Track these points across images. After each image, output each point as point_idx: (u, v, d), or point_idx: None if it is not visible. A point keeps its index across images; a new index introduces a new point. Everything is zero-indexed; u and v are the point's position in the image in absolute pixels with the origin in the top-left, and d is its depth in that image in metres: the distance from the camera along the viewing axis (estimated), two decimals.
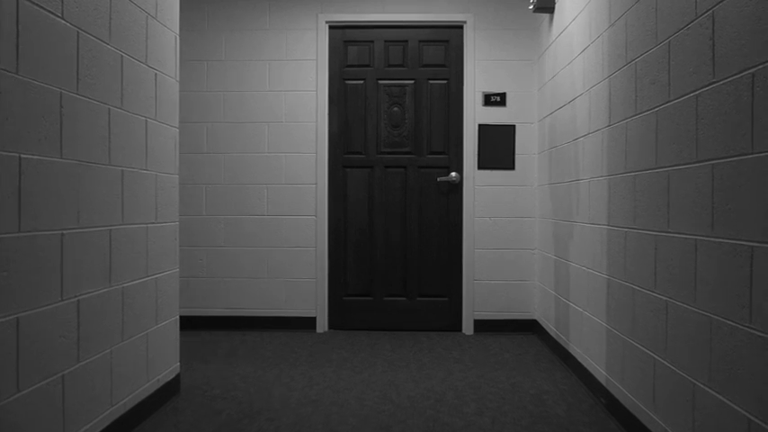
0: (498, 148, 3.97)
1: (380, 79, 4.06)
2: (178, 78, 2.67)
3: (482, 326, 3.97)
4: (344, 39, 4.06)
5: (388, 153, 4.06)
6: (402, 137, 4.03)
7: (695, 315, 1.74)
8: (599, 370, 2.63)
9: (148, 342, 2.38)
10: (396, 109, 4.05)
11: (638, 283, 2.18)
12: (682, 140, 1.83)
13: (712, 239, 1.64)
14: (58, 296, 1.76)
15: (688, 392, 1.78)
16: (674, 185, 1.89)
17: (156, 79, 2.44)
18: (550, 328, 3.55)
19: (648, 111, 2.09)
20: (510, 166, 3.98)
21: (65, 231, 1.79)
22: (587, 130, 2.82)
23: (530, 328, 3.97)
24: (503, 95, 3.98)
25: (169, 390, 2.58)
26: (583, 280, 2.88)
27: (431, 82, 4.05)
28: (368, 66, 4.06)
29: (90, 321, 1.94)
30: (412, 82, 4.05)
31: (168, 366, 2.58)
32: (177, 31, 2.65)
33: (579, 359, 2.93)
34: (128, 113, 2.20)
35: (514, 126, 3.97)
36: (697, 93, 1.74)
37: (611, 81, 2.48)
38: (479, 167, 3.97)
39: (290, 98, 4.01)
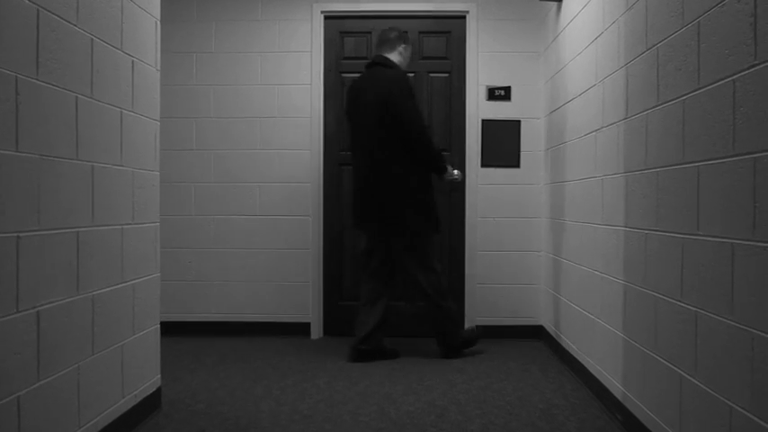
0: (503, 144, 3.77)
1: None
2: (159, 67, 2.47)
3: (486, 332, 3.77)
4: (341, 30, 3.86)
5: None
6: None
7: (732, 329, 1.54)
8: (614, 383, 2.43)
9: (124, 354, 2.18)
10: None
11: (661, 291, 1.98)
12: (715, 132, 1.63)
13: (754, 243, 1.44)
14: (13, 307, 1.56)
15: (723, 415, 1.58)
16: (705, 182, 1.68)
17: (133, 67, 2.24)
18: (558, 335, 3.35)
19: (674, 100, 1.89)
20: (515, 163, 3.78)
21: (21, 234, 1.59)
22: (600, 124, 2.62)
23: (536, 334, 3.77)
24: (507, 89, 3.78)
25: (148, 405, 2.37)
26: (595, 285, 2.68)
27: (431, 75, 3.85)
28: (365, 58, 3.85)
29: (53, 335, 1.74)
30: (412, 75, 3.85)
31: (147, 380, 2.37)
32: (158, 16, 2.45)
33: (591, 370, 2.73)
34: (99, 103, 2.00)
35: (519, 121, 3.77)
36: (734, 77, 1.54)
37: (629, 69, 2.28)
38: (483, 165, 3.77)
39: (283, 92, 3.81)
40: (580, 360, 2.92)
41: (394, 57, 3.27)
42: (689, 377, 1.77)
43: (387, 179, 3.10)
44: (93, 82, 1.96)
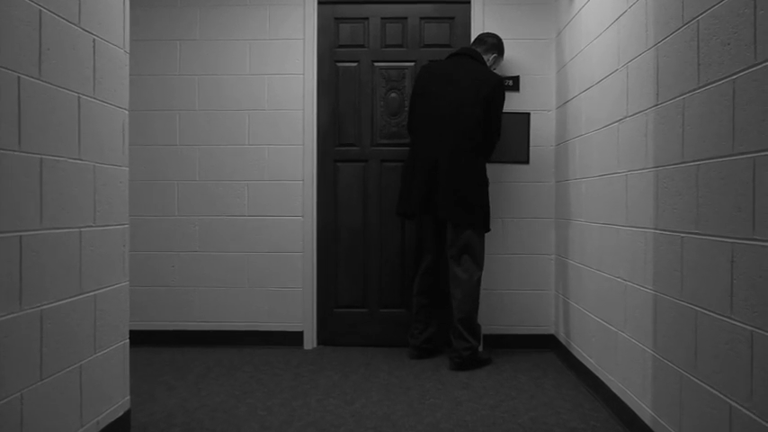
0: (510, 139, 3.49)
1: (376, 61, 3.58)
2: (128, 49, 2.18)
3: (492, 341, 3.49)
4: (335, 15, 3.57)
5: (385, 145, 3.58)
6: (401, 127, 3.55)
7: None
8: (642, 406, 2.15)
9: (82, 377, 1.90)
10: (394, 95, 3.57)
11: (702, 304, 1.70)
12: None
13: None
14: None
15: None
16: (763, 178, 1.41)
17: (94, 46, 1.96)
18: (572, 346, 3.07)
19: (720, 80, 1.61)
20: (524, 159, 3.50)
21: None
22: (624, 114, 2.34)
23: (546, 344, 3.49)
24: (515, 79, 3.49)
25: None
26: (617, 294, 2.40)
27: None
28: (362, 46, 3.58)
29: None
30: (412, 64, 3.57)
31: (113, 402, 2.09)
32: None
33: (613, 388, 2.45)
34: (50, 86, 1.72)
35: (529, 114, 3.49)
36: None
37: (660, 50, 2.00)
38: (489, 161, 3.48)
39: (273, 83, 3.52)
40: (599, 376, 2.64)
41: (484, 57, 3.27)
42: (744, 410, 1.49)
43: (462, 169, 3.06)
44: (41, 61, 1.68)
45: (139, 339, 3.51)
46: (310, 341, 3.52)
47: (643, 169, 2.15)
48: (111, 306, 2.07)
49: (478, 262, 3.12)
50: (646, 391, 2.11)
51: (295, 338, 3.52)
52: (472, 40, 3.50)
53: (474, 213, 3.06)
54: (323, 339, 3.57)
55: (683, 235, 1.83)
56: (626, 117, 2.32)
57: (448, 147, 3.06)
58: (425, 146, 3.12)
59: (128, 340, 2.21)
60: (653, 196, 2.06)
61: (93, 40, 1.96)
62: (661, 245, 1.99)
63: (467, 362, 3.08)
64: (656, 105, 2.03)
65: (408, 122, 3.29)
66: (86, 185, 1.92)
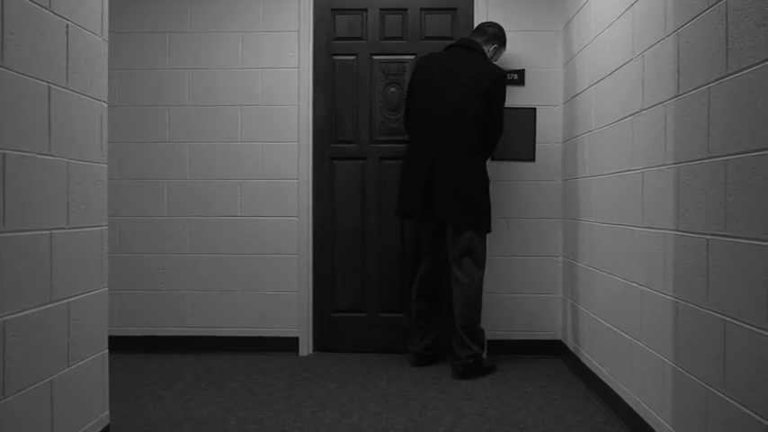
0: (515, 135, 3.34)
1: (375, 54, 3.42)
2: (106, 37, 2.03)
3: (497, 348, 3.33)
4: (332, 6, 3.42)
5: (384, 142, 3.42)
6: (400, 123, 3.40)
7: None
8: (660, 421, 1.99)
9: (54, 392, 1.74)
10: (393, 89, 3.41)
11: (731, 314, 1.55)
12: None
13: None
14: None
15: None
16: None
17: (67, 32, 1.80)
18: (581, 353, 2.91)
19: (754, 66, 1.45)
20: (530, 156, 3.34)
21: None
22: (640, 107, 2.18)
23: (553, 350, 3.33)
24: (521, 73, 3.34)
25: None
26: (632, 300, 2.25)
27: None
28: (360, 38, 3.42)
29: None
30: (412, 57, 3.41)
31: (90, 418, 1.94)
32: None
33: (626, 399, 2.30)
34: (13, 74, 1.56)
35: (535, 109, 3.33)
36: None
37: (680, 36, 1.85)
38: (493, 158, 3.33)
39: (267, 77, 3.37)
40: (611, 386, 2.48)
41: (485, 48, 3.10)
42: None
43: (461, 167, 2.90)
44: (4, 46, 1.52)
45: (127, 346, 3.35)
46: (306, 347, 3.36)
47: (662, 166, 1.99)
48: (87, 314, 1.92)
49: (480, 264, 2.97)
50: (665, 405, 1.96)
51: (290, 344, 3.36)
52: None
53: (474, 213, 2.90)
54: (319, 345, 3.42)
55: (708, 237, 1.67)
56: (642, 110, 2.16)
57: (446, 144, 2.90)
58: (423, 143, 2.96)
59: (107, 350, 2.05)
60: (673, 195, 1.90)
61: (67, 25, 1.80)
62: (683, 247, 1.83)
63: (470, 370, 2.92)
64: (677, 96, 1.88)
65: (405, 119, 3.14)
66: (58, 183, 1.77)
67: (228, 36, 3.37)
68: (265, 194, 3.36)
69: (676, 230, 1.88)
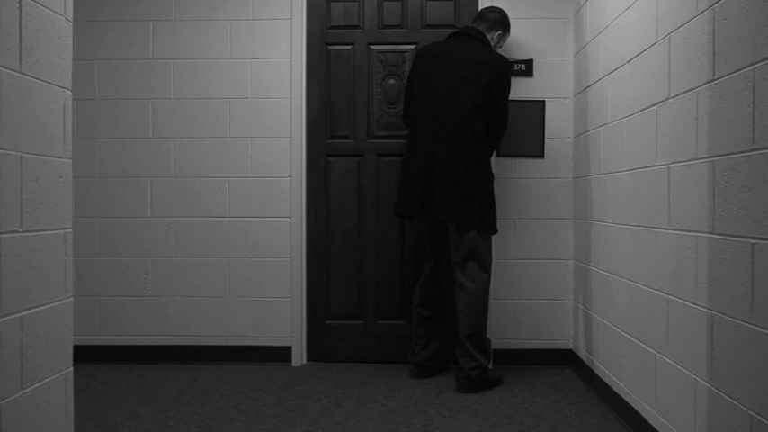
0: (523, 130, 3.12)
1: (372, 44, 3.21)
2: (70, 17, 1.81)
3: (503, 357, 3.11)
4: None
5: (383, 137, 3.20)
6: (400, 117, 3.18)
7: None
8: None
9: (2, 420, 1.53)
10: (392, 81, 3.20)
11: None
12: None
13: None
14: None
15: None
16: None
17: (20, 9, 1.58)
18: (596, 364, 2.70)
19: None
20: (538, 153, 3.12)
21: None
22: (665, 95, 1.96)
23: (564, 359, 3.12)
24: (528, 63, 3.12)
25: None
26: (657, 309, 2.03)
27: None
28: (357, 27, 3.20)
29: None
30: (412, 47, 3.19)
31: None
32: None
33: (651, 421, 2.08)
34: None
35: (544, 102, 3.12)
36: None
37: (716, 12, 1.63)
38: (499, 155, 3.12)
39: (258, 68, 3.15)
40: (631, 403, 2.26)
41: (488, 36, 2.89)
42: None
43: (462, 161, 2.69)
44: None
45: (108, 356, 3.14)
46: (299, 357, 3.14)
47: (693, 160, 1.77)
48: (45, 329, 1.70)
49: (486, 268, 2.75)
50: (699, 428, 1.74)
51: (282, 354, 3.14)
52: None
53: (478, 212, 2.69)
54: (313, 355, 3.20)
55: (753, 241, 1.45)
56: (668, 99, 1.94)
57: (446, 137, 2.69)
58: (422, 138, 2.76)
59: (71, 368, 1.83)
60: (707, 193, 1.68)
61: (19, 0, 1.58)
62: (720, 252, 1.61)
63: (475, 383, 2.71)
64: (712, 81, 1.66)
65: (404, 112, 2.93)
66: (9, 181, 1.55)
67: (216, 24, 3.15)
68: (255, 194, 3.14)
69: (711, 233, 1.66)
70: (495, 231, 2.78)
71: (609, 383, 2.51)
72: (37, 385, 1.67)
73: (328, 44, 3.21)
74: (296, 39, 3.14)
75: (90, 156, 3.15)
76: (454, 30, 3.06)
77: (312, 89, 3.19)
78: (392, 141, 3.19)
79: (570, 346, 3.11)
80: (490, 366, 2.87)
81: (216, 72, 3.15)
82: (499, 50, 3.02)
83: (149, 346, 3.15)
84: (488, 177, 2.75)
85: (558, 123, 3.11)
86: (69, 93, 1.82)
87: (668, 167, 1.94)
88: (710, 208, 1.67)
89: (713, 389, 1.65)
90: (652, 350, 2.07)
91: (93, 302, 3.14)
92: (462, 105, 2.69)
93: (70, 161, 1.82)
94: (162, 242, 3.15)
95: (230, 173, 3.15)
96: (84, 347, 3.13)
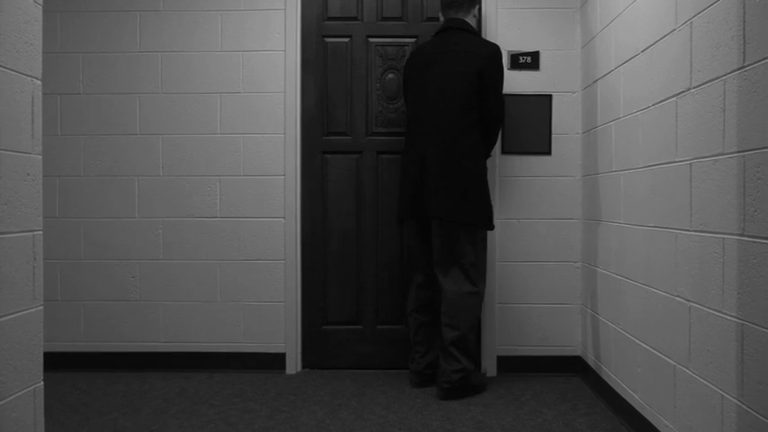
0: (529, 125, 2.97)
1: (371, 36, 3.06)
2: (40, 0, 1.66)
3: (508, 364, 2.96)
4: None
5: (382, 134, 3.06)
6: (400, 113, 3.03)
7: None
8: None
9: None
10: (392, 75, 3.05)
11: None
12: None
13: None
14: None
15: None
16: None
17: None
18: (606, 372, 2.55)
19: None
20: (545, 149, 2.97)
21: None
22: (686, 85, 1.81)
23: (572, 367, 2.97)
24: (534, 55, 2.97)
25: None
26: (676, 317, 1.88)
27: None
28: (355, 19, 3.05)
29: None
30: (413, 40, 3.05)
31: None
32: None
33: None
34: None
35: (551, 96, 2.97)
36: None
37: None
38: (503, 152, 2.97)
39: (250, 61, 3.00)
40: (647, 416, 2.11)
41: (470, 21, 2.73)
42: None
43: (451, 154, 2.56)
44: None
45: (93, 363, 2.99)
46: (294, 365, 2.99)
47: (719, 155, 1.62)
48: (9, 342, 1.55)
49: (474, 279, 2.59)
50: None
51: (276, 361, 2.99)
52: (485, 11, 2.98)
53: (466, 205, 2.54)
54: (309, 362, 3.05)
55: None
56: (689, 89, 1.79)
57: (436, 137, 2.58)
58: (414, 140, 2.66)
59: (41, 383, 1.68)
60: (736, 191, 1.53)
61: None
62: (752, 257, 1.46)
63: (456, 387, 2.56)
64: (742, 68, 1.51)
65: (406, 115, 2.80)
66: None
67: (207, 15, 3.00)
68: (248, 193, 2.99)
69: (741, 235, 1.51)
70: (490, 227, 2.62)
71: (622, 394, 2.36)
72: (0, 404, 1.52)
73: (325, 36, 3.06)
74: (290, 30, 2.99)
75: (74, 153, 3.00)
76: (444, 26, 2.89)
77: (307, 83, 3.04)
78: (392, 138, 3.04)
79: (579, 353, 2.96)
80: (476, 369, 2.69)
81: (206, 65, 3.00)
82: (506, 43, 2.87)
83: (136, 353, 3.00)
84: (479, 171, 2.59)
85: (565, 119, 2.96)
86: (39, 82, 1.67)
87: (690, 163, 1.79)
88: (740, 207, 1.52)
89: (743, 406, 1.50)
90: (671, 361, 1.92)
91: (78, 307, 3.00)
92: (450, 102, 2.57)
93: (40, 157, 1.67)
94: (149, 244, 3.00)
95: (221, 171, 3.00)
96: (68, 354, 2.98)
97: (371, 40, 3.06)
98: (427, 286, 2.73)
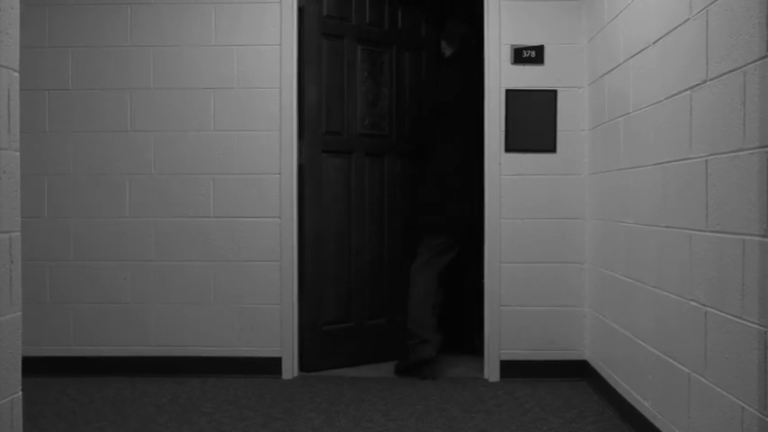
0: (533, 122, 2.88)
1: (360, 40, 2.96)
2: None
3: (512, 369, 2.87)
4: None
5: (368, 136, 2.97)
6: (381, 116, 2.94)
7: None
8: None
9: None
10: (372, 81, 2.96)
11: None
12: None
13: None
14: None
15: None
16: None
17: None
18: (614, 378, 2.46)
19: None
20: (550, 147, 2.88)
21: None
22: (702, 77, 1.71)
23: (578, 371, 2.87)
24: (539, 49, 2.87)
25: None
26: (690, 323, 1.78)
27: None
28: (353, 12, 2.96)
29: None
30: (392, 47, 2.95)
31: None
32: None
33: None
34: None
35: (556, 91, 2.88)
36: None
37: None
38: (507, 150, 2.88)
39: (245, 56, 2.91)
40: (656, 425, 2.02)
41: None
42: None
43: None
44: None
45: (83, 368, 2.89)
46: (290, 369, 2.90)
47: (739, 151, 1.52)
48: None
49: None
50: None
51: (271, 366, 2.90)
52: (487, 4, 2.89)
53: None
54: (306, 365, 2.96)
55: None
56: (705, 81, 1.70)
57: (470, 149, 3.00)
58: (452, 153, 3.03)
59: (19, 394, 1.58)
60: (758, 189, 1.43)
61: None
62: None
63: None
64: (763, 58, 1.41)
65: None
66: None
67: (200, 8, 2.92)
68: (242, 192, 2.90)
69: (764, 236, 1.41)
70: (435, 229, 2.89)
71: (631, 401, 2.27)
72: None
73: (323, 33, 2.96)
74: (286, 24, 2.89)
75: (62, 151, 2.91)
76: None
77: (305, 78, 2.94)
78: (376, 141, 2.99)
79: (585, 357, 2.87)
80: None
81: (199, 60, 2.91)
82: (510, 36, 2.83)
83: (127, 357, 2.91)
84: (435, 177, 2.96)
85: (571, 115, 2.87)
86: (16, 74, 1.57)
87: (706, 160, 1.69)
88: (763, 206, 1.42)
89: (766, 419, 1.40)
90: (685, 369, 1.82)
91: (67, 310, 2.91)
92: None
93: (17, 153, 1.57)
94: (141, 245, 2.91)
95: (215, 169, 2.91)
96: (57, 359, 2.89)
97: (359, 44, 2.99)
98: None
